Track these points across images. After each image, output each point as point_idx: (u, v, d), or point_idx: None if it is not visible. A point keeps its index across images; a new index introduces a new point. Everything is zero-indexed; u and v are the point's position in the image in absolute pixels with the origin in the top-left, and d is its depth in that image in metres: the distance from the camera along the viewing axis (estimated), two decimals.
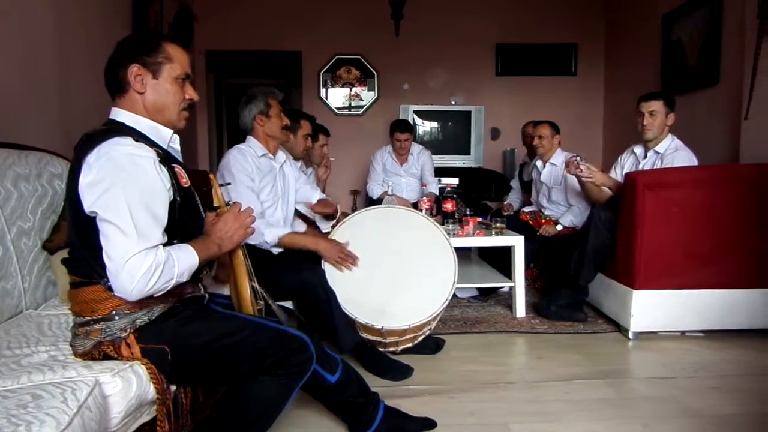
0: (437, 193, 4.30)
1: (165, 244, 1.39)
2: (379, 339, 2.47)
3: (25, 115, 2.49)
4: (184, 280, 1.43)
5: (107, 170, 1.33)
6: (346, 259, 2.47)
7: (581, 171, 3.03)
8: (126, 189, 1.33)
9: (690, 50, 4.32)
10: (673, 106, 3.08)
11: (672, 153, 3.02)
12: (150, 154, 1.40)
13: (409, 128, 4.43)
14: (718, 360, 2.61)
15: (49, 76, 2.71)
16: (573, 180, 3.39)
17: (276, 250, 2.54)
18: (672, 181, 2.80)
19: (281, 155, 2.68)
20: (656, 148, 3.10)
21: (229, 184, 2.36)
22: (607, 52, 5.95)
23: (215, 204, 1.67)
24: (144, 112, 1.49)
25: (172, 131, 1.56)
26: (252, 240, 2.32)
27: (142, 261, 1.30)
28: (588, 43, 5.96)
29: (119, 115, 1.49)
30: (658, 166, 3.06)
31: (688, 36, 4.34)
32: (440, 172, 4.95)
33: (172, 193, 1.44)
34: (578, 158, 3.12)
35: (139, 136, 1.43)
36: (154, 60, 1.47)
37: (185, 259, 1.41)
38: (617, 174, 3.27)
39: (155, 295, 1.37)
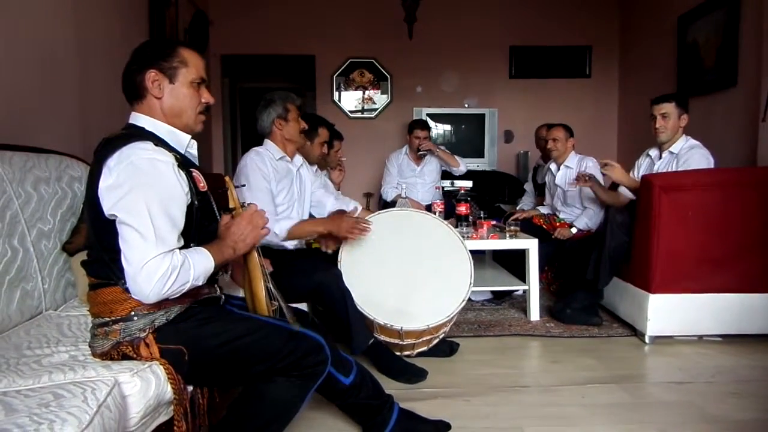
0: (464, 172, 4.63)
1: (182, 248, 1.41)
2: (396, 341, 2.47)
3: (45, 120, 2.53)
4: (200, 283, 1.44)
5: (128, 174, 1.35)
6: (360, 228, 2.41)
7: (589, 180, 3.07)
8: (146, 193, 1.34)
9: (706, 52, 4.27)
10: (685, 107, 3.05)
11: (687, 152, 2.99)
12: (169, 158, 1.42)
13: (427, 126, 4.64)
14: (736, 365, 2.57)
15: (69, 81, 2.76)
16: None
17: (290, 245, 2.49)
18: (688, 184, 2.77)
19: (298, 158, 2.70)
20: (671, 149, 3.08)
21: (243, 185, 2.38)
22: (622, 54, 5.90)
23: (230, 205, 1.69)
24: (162, 117, 1.51)
25: (189, 136, 1.58)
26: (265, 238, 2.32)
27: (159, 264, 1.32)
28: (602, 46, 5.92)
29: (138, 119, 1.51)
30: (673, 166, 3.03)
31: (705, 38, 4.29)
32: (454, 175, 4.95)
33: (190, 197, 1.46)
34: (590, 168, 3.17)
35: (158, 141, 1.45)
36: (170, 65, 1.49)
37: (201, 262, 1.42)
38: (636, 177, 3.24)
39: (171, 297, 1.39)
